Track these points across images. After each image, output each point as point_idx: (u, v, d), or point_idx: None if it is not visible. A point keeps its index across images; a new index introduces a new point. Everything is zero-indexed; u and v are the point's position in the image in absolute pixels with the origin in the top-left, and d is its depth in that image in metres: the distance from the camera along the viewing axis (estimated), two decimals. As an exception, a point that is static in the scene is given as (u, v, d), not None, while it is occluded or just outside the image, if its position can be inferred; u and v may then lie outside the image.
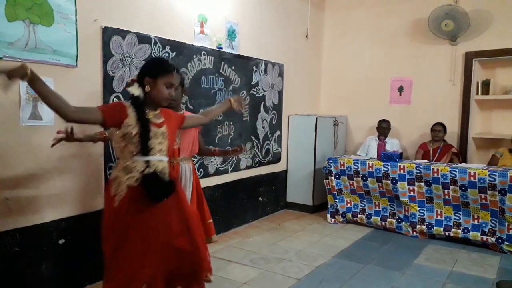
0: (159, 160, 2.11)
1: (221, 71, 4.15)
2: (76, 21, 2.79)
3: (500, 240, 3.87)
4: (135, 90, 2.07)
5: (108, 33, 3.01)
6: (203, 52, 3.90)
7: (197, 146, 2.85)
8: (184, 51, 3.69)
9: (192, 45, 3.79)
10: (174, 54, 3.58)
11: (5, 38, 2.42)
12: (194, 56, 3.82)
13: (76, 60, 2.82)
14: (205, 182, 4.08)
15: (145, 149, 2.04)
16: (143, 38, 3.29)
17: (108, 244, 2.08)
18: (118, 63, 3.10)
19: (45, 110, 2.65)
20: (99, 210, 2.79)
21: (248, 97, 4.59)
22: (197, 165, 3.93)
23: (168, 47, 3.52)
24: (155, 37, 3.40)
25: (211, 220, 2.94)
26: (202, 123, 2.64)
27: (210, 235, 2.87)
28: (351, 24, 5.84)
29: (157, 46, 3.41)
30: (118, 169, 2.08)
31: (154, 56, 3.32)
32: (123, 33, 3.12)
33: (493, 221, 3.94)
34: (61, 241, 2.81)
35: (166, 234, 2.12)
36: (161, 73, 2.10)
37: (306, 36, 5.61)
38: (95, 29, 2.95)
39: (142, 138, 2.03)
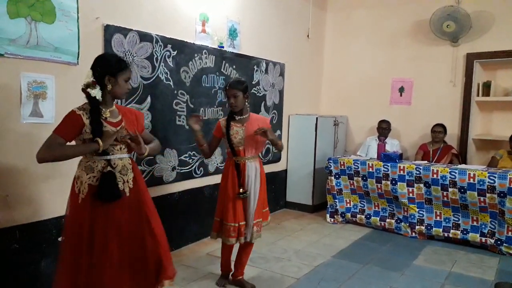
0: (119, 158, 2.18)
1: (222, 70, 4.15)
2: (78, 18, 2.79)
3: (499, 242, 3.88)
4: (97, 93, 2.11)
5: (109, 31, 3.01)
6: (204, 51, 3.90)
7: (261, 146, 3.10)
8: (186, 49, 3.69)
9: (194, 43, 3.79)
10: (175, 52, 3.58)
11: (7, 35, 2.42)
12: (196, 55, 3.82)
13: (78, 57, 2.81)
14: (205, 181, 4.09)
15: (103, 149, 2.10)
16: (144, 36, 3.29)
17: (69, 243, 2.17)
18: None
19: (46, 107, 2.66)
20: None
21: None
22: (197, 164, 3.93)
23: (169, 46, 3.52)
24: (157, 35, 3.40)
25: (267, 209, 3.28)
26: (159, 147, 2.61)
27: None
28: (353, 24, 5.84)
29: (158, 44, 3.41)
30: (81, 168, 2.15)
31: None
32: (124, 31, 3.12)
33: (492, 223, 3.94)
34: (60, 238, 2.81)
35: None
36: (121, 70, 2.17)
37: (308, 36, 5.61)
38: (97, 27, 2.95)
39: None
